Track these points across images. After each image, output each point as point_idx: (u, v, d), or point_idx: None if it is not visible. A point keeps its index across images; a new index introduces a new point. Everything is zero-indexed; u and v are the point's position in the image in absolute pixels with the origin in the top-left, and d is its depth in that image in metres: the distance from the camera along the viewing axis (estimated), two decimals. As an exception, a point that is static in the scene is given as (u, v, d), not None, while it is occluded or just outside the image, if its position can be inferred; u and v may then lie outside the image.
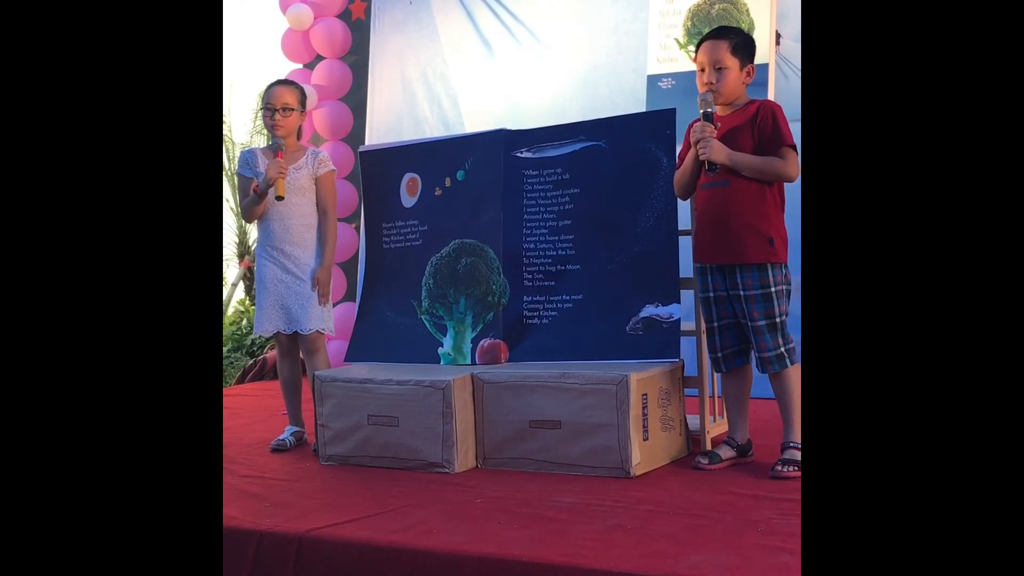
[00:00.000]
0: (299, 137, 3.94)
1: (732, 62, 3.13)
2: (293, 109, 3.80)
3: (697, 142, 3.09)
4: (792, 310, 3.23)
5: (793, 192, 3.09)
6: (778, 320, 3.07)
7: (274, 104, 3.77)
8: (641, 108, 4.88)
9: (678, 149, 3.40)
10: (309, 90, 5.55)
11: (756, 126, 3.08)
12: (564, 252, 3.57)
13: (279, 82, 3.92)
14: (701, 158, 3.08)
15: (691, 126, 3.18)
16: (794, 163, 3.04)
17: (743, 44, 3.16)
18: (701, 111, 3.10)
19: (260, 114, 3.99)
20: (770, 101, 3.21)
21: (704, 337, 3.37)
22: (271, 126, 3.79)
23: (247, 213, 3.82)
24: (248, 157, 3.87)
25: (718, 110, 3.18)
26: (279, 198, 3.68)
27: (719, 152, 3.05)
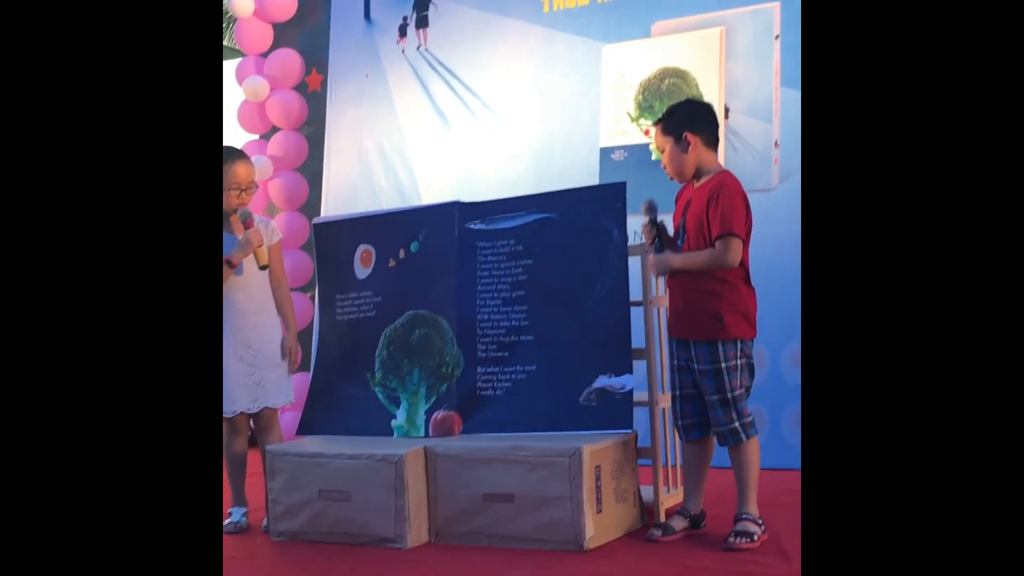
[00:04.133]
0: None
1: (664, 141, 3.21)
2: (255, 186, 3.77)
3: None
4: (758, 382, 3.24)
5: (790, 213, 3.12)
6: (730, 396, 3.08)
7: (243, 184, 3.66)
8: (594, 180, 4.94)
9: (629, 221, 3.45)
10: (258, 160, 5.57)
11: (710, 203, 3.12)
12: (517, 323, 3.58)
13: (240, 156, 3.75)
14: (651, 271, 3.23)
15: (679, 192, 3.29)
16: (735, 251, 3.06)
17: (669, 119, 3.23)
18: (645, 220, 3.20)
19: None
20: (731, 179, 3.20)
21: (657, 407, 3.39)
22: (239, 204, 3.66)
23: None
24: None
25: (692, 183, 3.24)
26: (264, 267, 3.66)
27: (661, 268, 3.17)
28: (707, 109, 3.31)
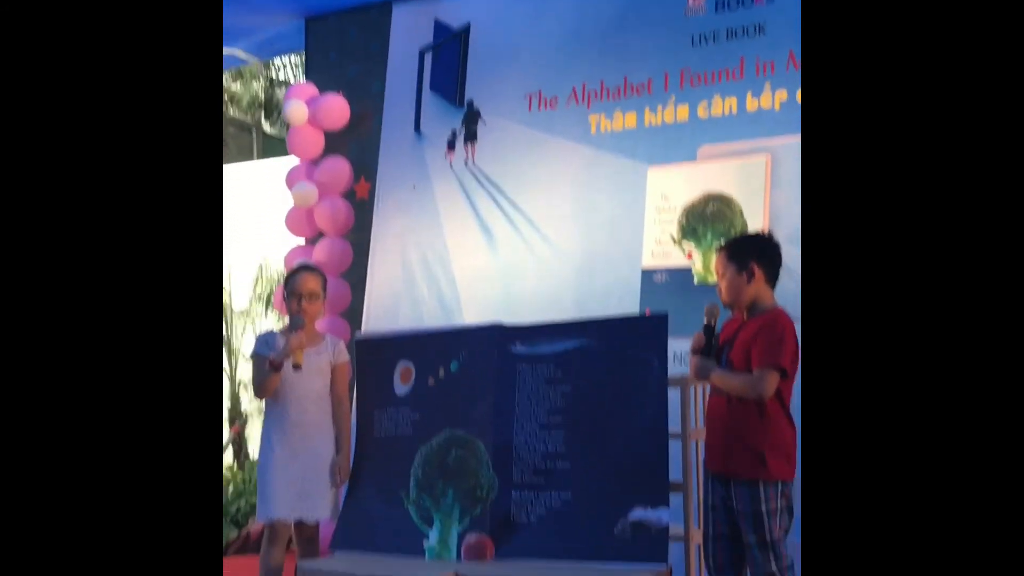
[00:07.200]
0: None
1: (726, 267, 3.22)
2: (318, 296, 3.88)
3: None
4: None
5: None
6: (769, 539, 3.03)
7: (300, 290, 3.83)
8: (635, 300, 4.95)
9: (670, 349, 3.45)
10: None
11: (760, 333, 3.12)
12: (554, 449, 3.56)
13: (305, 268, 4.00)
14: (693, 375, 3.16)
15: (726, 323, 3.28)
16: (770, 382, 3.06)
17: (736, 248, 3.25)
18: (704, 322, 3.19)
19: (275, 296, 4.03)
20: (786, 318, 3.21)
21: (692, 544, 3.34)
22: (296, 311, 3.81)
23: (261, 388, 3.82)
24: (268, 338, 3.91)
25: (744, 314, 3.25)
26: (296, 367, 3.71)
27: (702, 371, 3.13)
28: (775, 247, 3.34)
